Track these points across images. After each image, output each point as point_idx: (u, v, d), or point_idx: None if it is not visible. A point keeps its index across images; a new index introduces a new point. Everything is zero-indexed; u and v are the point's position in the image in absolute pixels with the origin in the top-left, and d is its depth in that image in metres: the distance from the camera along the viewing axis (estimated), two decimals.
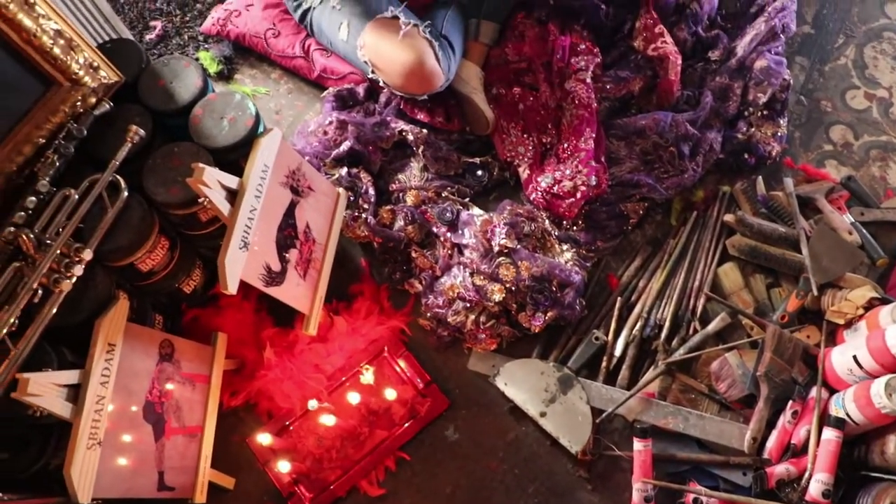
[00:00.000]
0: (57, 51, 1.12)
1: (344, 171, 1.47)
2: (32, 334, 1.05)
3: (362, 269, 1.49)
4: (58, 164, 1.16)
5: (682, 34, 1.66)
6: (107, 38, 1.36)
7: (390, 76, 1.45)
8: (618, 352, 1.41)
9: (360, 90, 1.59)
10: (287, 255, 1.25)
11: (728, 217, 1.51)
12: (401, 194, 1.50)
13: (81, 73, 1.17)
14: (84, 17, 1.29)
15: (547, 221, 1.47)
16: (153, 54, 1.78)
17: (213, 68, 1.72)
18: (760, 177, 1.57)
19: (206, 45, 1.77)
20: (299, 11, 1.61)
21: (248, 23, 1.70)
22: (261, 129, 1.26)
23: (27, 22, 1.07)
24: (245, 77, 1.75)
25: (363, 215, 1.45)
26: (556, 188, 1.44)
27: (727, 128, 1.61)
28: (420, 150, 1.51)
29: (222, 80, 1.74)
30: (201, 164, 1.08)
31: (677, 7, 1.70)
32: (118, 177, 1.15)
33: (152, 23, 1.82)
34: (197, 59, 1.74)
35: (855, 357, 1.26)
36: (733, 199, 1.58)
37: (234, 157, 1.23)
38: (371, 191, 1.47)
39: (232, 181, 1.14)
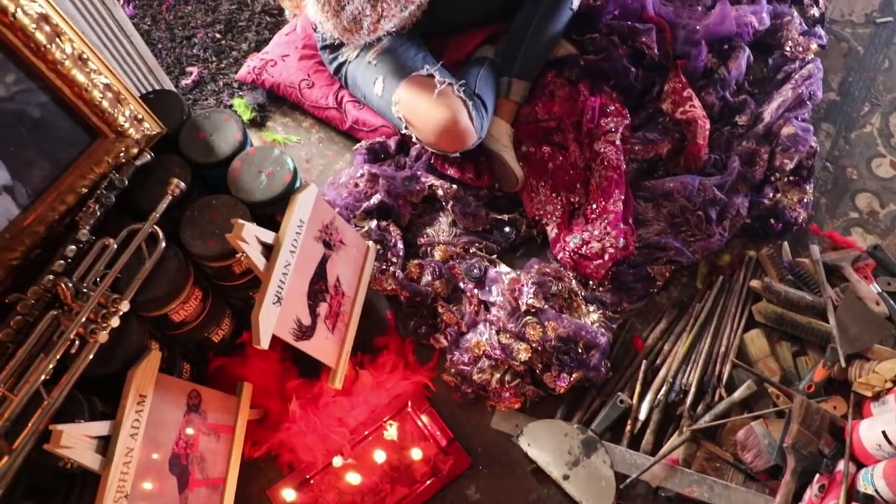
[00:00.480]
0: (105, 104, 1.15)
1: (374, 223, 1.49)
2: (66, 384, 1.05)
3: (388, 322, 1.50)
4: (99, 213, 1.17)
5: (710, 98, 1.69)
6: (150, 89, 1.39)
7: (424, 133, 1.48)
8: (642, 416, 1.40)
9: (392, 143, 1.62)
10: (318, 308, 1.26)
11: (754, 283, 1.51)
12: (429, 248, 1.51)
13: (127, 125, 1.20)
14: (130, 68, 1.32)
15: (574, 281, 1.48)
16: (188, 99, 1.81)
17: (246, 115, 1.76)
18: (786, 242, 1.58)
19: (241, 93, 1.81)
20: (335, 64, 1.64)
21: (284, 73, 1.74)
22: (298, 182, 1.27)
23: (80, 77, 1.10)
24: (277, 125, 1.78)
25: (391, 269, 1.46)
26: (584, 249, 1.45)
27: (754, 193, 1.62)
28: (449, 206, 1.52)
29: (255, 126, 1.77)
30: (241, 221, 1.09)
31: (706, 71, 1.73)
32: (157, 228, 1.17)
33: (189, 68, 1.87)
34: (231, 106, 1.78)
35: (884, 432, 1.24)
36: (759, 264, 1.59)
37: (270, 211, 1.25)
38: (400, 244, 1.48)
39: (268, 236, 1.16)
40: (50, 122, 1.12)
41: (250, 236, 1.11)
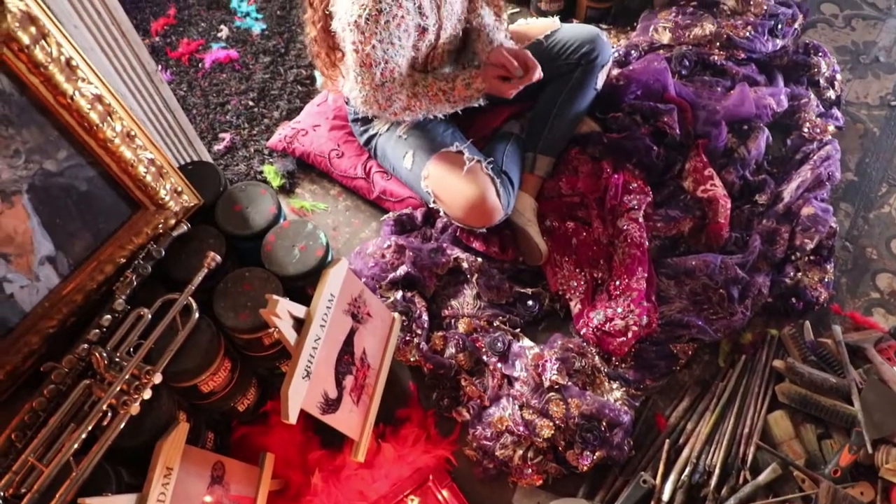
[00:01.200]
0: (149, 178, 1.19)
1: (399, 294, 1.51)
2: (96, 455, 1.06)
3: (410, 394, 1.50)
4: (135, 283, 1.20)
5: (730, 177, 1.72)
6: (188, 159, 1.43)
7: (452, 208, 1.51)
8: (665, 496, 1.38)
9: (418, 215, 1.65)
10: (344, 381, 1.27)
11: (777, 363, 1.51)
12: (453, 320, 1.53)
13: (167, 198, 1.23)
14: (171, 140, 1.37)
15: (597, 357, 1.48)
16: (220, 164, 1.86)
17: (275, 182, 1.80)
18: (808, 322, 1.59)
19: (271, 160, 1.86)
20: (365, 136, 1.69)
21: (314, 142, 1.79)
22: (329, 257, 1.30)
23: (127, 154, 1.14)
24: (305, 192, 1.82)
25: (416, 340, 1.47)
26: (607, 326, 1.46)
27: (775, 272, 1.64)
28: (474, 279, 1.54)
29: (283, 193, 1.81)
30: (275, 297, 1.11)
31: (726, 151, 1.77)
32: (191, 299, 1.19)
33: (221, 134, 1.92)
34: (261, 172, 1.83)
35: None
36: (782, 343, 1.59)
37: (301, 284, 1.27)
38: (424, 316, 1.50)
39: (300, 311, 1.17)
40: (95, 195, 1.16)
41: (283, 311, 1.13)
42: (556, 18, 1.74)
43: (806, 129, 1.84)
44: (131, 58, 1.19)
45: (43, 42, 0.98)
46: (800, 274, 1.64)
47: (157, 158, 1.21)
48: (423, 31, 1.42)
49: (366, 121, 1.67)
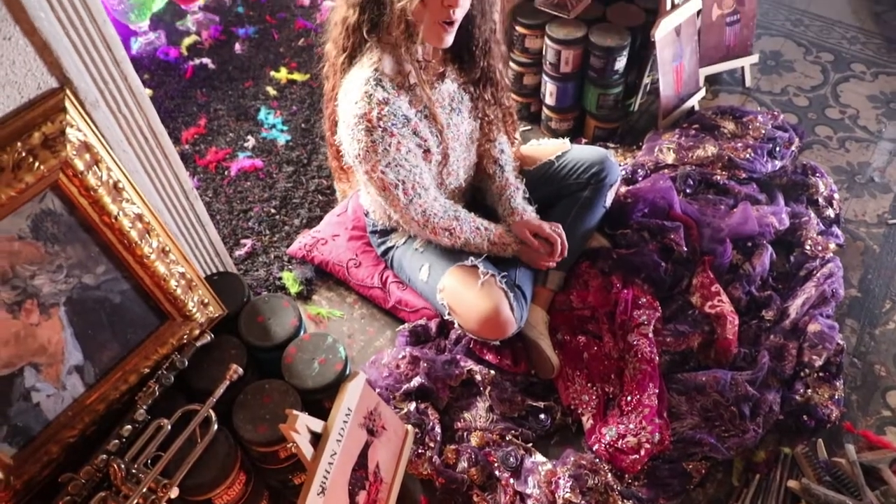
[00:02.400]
0: (179, 291, 1.24)
1: (412, 406, 1.52)
2: None
3: None
4: (157, 393, 1.23)
5: (736, 293, 1.77)
6: (214, 270, 1.49)
7: (466, 321, 1.55)
8: None
9: (433, 325, 1.69)
10: (357, 497, 1.26)
11: (792, 484, 1.49)
12: (465, 433, 1.53)
13: (195, 310, 1.28)
14: (200, 252, 1.43)
15: (610, 475, 1.47)
16: (240, 270, 1.92)
17: (293, 289, 1.85)
18: (821, 440, 1.58)
19: (290, 266, 1.92)
20: (382, 248, 1.76)
21: (333, 251, 1.85)
22: (348, 370, 1.33)
23: (161, 268, 1.20)
24: (322, 299, 1.87)
25: (428, 453, 1.47)
26: (620, 443, 1.46)
27: (785, 388, 1.65)
28: (487, 391, 1.56)
29: (301, 299, 1.86)
30: (295, 412, 1.13)
31: (731, 267, 1.82)
32: (211, 411, 1.21)
33: (243, 240, 2.00)
34: (280, 279, 1.89)
35: None
36: (795, 462, 1.58)
37: (319, 398, 1.29)
38: (437, 428, 1.51)
39: (317, 425, 1.19)
40: (127, 307, 1.20)
41: (302, 427, 1.14)
42: (567, 139, 1.84)
43: (808, 247, 1.91)
44: (171, 177, 1.27)
45: (95, 167, 1.06)
46: (810, 391, 1.65)
47: (187, 272, 1.26)
48: (426, 151, 1.50)
49: (384, 233, 1.74)
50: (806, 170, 2.11)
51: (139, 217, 1.14)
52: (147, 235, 1.17)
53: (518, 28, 2.11)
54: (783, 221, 1.91)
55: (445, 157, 1.55)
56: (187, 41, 2.69)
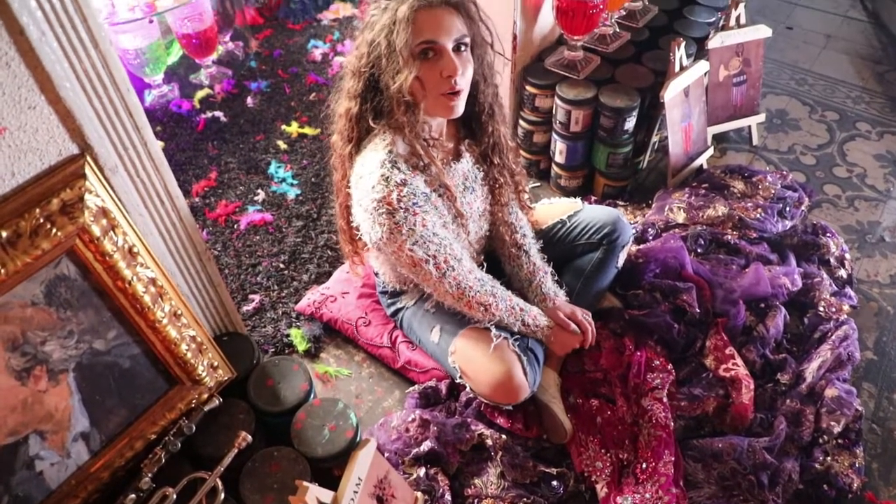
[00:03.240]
0: (189, 355, 1.22)
1: (422, 471, 1.48)
2: None
3: None
4: (163, 460, 1.20)
5: (750, 355, 1.74)
6: (224, 330, 1.47)
7: (478, 385, 1.53)
8: None
9: (443, 387, 1.66)
10: None
11: None
12: (476, 501, 1.49)
13: (204, 374, 1.26)
14: (210, 313, 1.41)
15: None
16: (248, 325, 1.90)
17: (301, 347, 1.83)
18: None
19: (298, 323, 1.90)
20: (392, 308, 1.74)
21: (342, 309, 1.84)
22: (358, 437, 1.30)
23: (173, 333, 1.18)
24: (330, 357, 1.85)
25: None
26: None
27: (803, 456, 1.61)
28: (498, 456, 1.52)
29: (308, 357, 1.84)
30: (304, 483, 1.10)
31: (745, 329, 1.80)
32: (218, 480, 1.18)
33: (251, 295, 1.98)
34: (288, 336, 1.86)
35: None
36: None
37: (329, 465, 1.26)
38: (448, 496, 1.46)
39: (327, 496, 1.15)
40: (136, 372, 1.19)
41: (311, 498, 1.11)
42: (578, 199, 1.84)
43: (822, 308, 1.89)
44: (185, 239, 1.27)
45: (112, 233, 1.05)
46: (829, 458, 1.61)
47: (198, 335, 1.25)
48: (446, 227, 1.47)
49: (394, 294, 1.73)
50: (816, 229, 2.11)
51: (153, 281, 1.14)
52: (160, 299, 1.16)
53: (528, 87, 2.13)
54: (796, 282, 1.90)
55: (465, 231, 1.54)
56: (200, 94, 2.73)
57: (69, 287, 1.05)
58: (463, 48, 1.33)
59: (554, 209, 1.81)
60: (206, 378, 1.26)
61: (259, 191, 2.32)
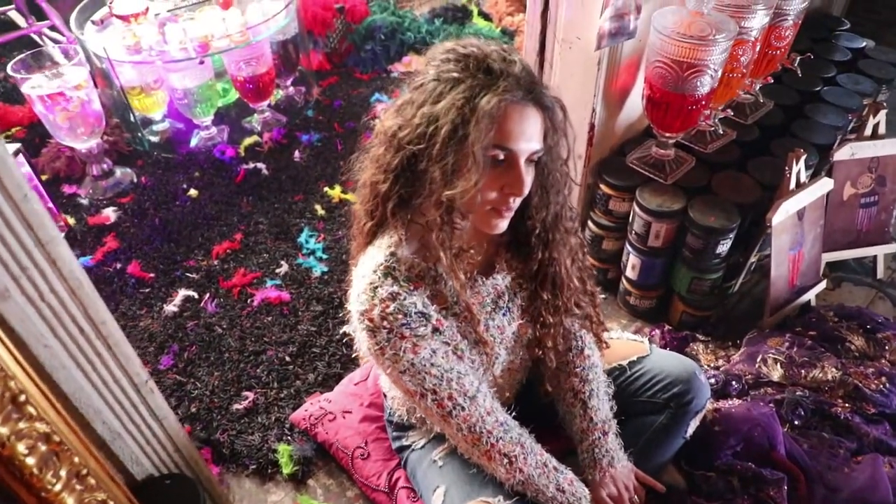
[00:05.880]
0: None
1: None
2: None
3: None
4: None
5: None
6: (171, 470, 1.18)
7: None
8: None
9: None
10: None
11: None
12: None
13: None
14: (153, 449, 1.13)
15: None
16: (234, 428, 1.62)
17: (287, 468, 1.53)
18: None
19: (290, 436, 1.60)
20: (398, 443, 1.42)
21: (340, 432, 1.52)
22: None
23: (69, 501, 0.90)
24: (318, 486, 1.53)
25: None
26: None
27: None
28: None
29: (293, 482, 1.53)
30: None
31: None
32: None
33: (246, 392, 1.70)
34: (275, 451, 1.57)
35: None
36: None
37: None
38: None
39: None
40: None
41: None
42: (646, 341, 1.47)
43: None
44: (116, 370, 0.99)
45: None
46: None
47: (111, 498, 0.96)
48: (459, 355, 1.16)
49: (401, 427, 1.41)
50: None
51: (46, 437, 0.85)
52: (54, 459, 0.87)
53: (603, 186, 1.78)
54: None
55: (489, 362, 1.20)
56: (247, 141, 2.54)
57: None
58: (533, 163, 1.04)
59: (613, 349, 1.44)
60: None
61: (283, 262, 2.06)
